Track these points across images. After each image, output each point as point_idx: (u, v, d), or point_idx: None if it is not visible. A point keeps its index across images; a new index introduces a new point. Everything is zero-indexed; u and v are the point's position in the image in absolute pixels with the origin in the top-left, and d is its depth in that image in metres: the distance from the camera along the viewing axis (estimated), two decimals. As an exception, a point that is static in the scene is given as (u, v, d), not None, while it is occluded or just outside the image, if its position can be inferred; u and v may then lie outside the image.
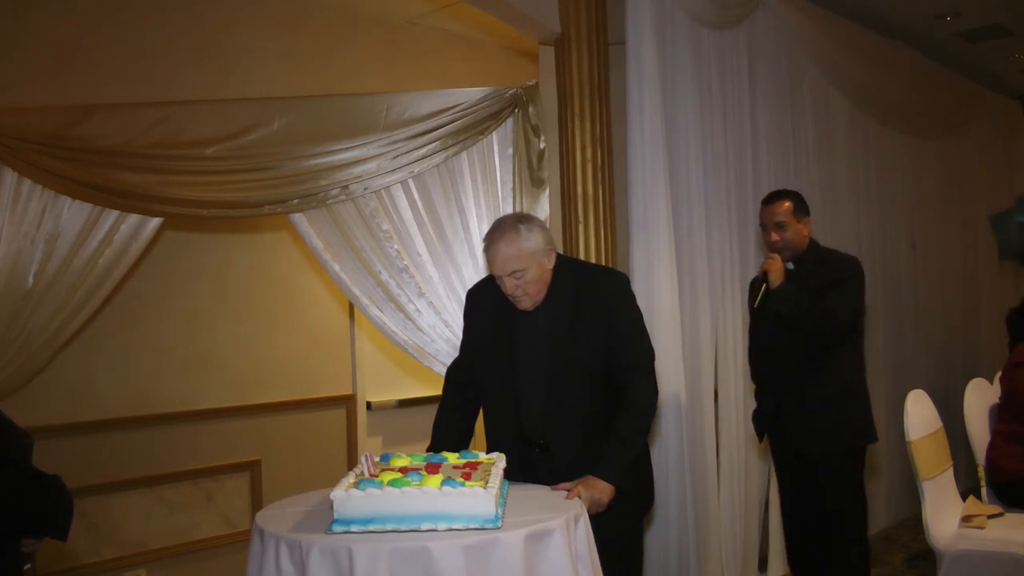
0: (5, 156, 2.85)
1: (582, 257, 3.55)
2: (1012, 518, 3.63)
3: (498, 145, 3.61)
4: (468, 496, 2.06)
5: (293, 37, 4.35)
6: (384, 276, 3.46)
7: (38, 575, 3.36)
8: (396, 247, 3.46)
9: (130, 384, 3.89)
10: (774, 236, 3.30)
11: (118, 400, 3.84)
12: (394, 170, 3.40)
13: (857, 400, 3.32)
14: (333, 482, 2.20)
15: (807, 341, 3.21)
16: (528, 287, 2.57)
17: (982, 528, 3.49)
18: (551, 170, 3.64)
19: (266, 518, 2.24)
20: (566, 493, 2.38)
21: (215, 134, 3.18)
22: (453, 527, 2.04)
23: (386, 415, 4.86)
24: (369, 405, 4.78)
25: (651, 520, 3.59)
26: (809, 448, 3.28)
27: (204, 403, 4.10)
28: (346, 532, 2.05)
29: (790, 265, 3.28)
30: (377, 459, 2.36)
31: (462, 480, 2.14)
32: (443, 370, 3.14)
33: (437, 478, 2.14)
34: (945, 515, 3.58)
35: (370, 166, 3.36)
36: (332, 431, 4.58)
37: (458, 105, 3.47)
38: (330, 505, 2.11)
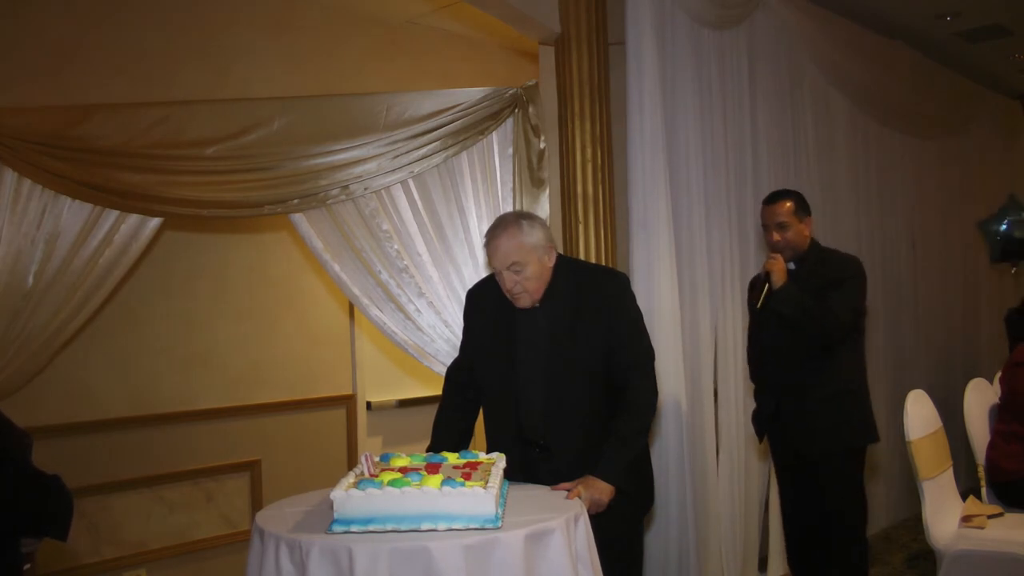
0: (5, 156, 2.85)
1: (582, 257, 3.55)
2: (1012, 518, 3.63)
3: (498, 145, 3.61)
4: (468, 496, 2.06)
5: (293, 37, 4.35)
6: (384, 276, 3.46)
7: (38, 575, 3.37)
8: (396, 247, 3.46)
9: (130, 384, 3.89)
10: (775, 236, 3.30)
11: (118, 400, 3.84)
12: (394, 170, 3.40)
13: (858, 400, 3.32)
14: (333, 482, 2.20)
15: (809, 341, 3.21)
16: (527, 283, 2.57)
17: (982, 528, 3.49)
18: (551, 170, 3.64)
19: (266, 518, 2.24)
20: (566, 493, 2.38)
21: (215, 134, 3.18)
22: (453, 527, 2.04)
23: (386, 415, 4.86)
24: (369, 405, 4.78)
25: (651, 520, 3.59)
26: (809, 448, 3.28)
27: (204, 403, 4.10)
28: (346, 532, 2.05)
29: (791, 265, 3.28)
30: (377, 459, 2.36)
31: (462, 480, 2.14)
32: (443, 370, 3.14)
33: (437, 478, 2.14)
34: (945, 515, 3.58)
35: (370, 166, 3.36)
36: (332, 431, 4.58)
37: (458, 105, 3.48)
38: (330, 505, 2.11)
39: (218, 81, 4.02)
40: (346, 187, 3.34)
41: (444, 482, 2.10)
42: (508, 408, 2.67)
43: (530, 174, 3.60)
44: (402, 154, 3.40)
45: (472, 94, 3.52)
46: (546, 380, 2.61)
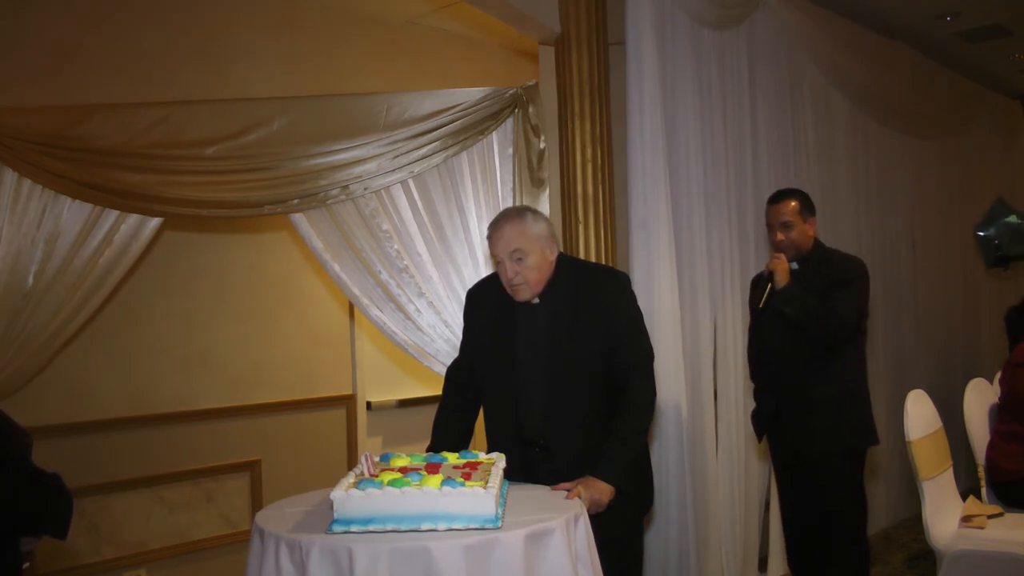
0: (5, 156, 2.85)
1: (582, 257, 3.55)
2: (1012, 518, 3.63)
3: (498, 145, 3.61)
4: (468, 496, 2.06)
5: (293, 37, 4.35)
6: (384, 276, 3.46)
7: (37, 574, 3.37)
8: (396, 247, 3.46)
9: (130, 384, 3.89)
10: (779, 236, 3.29)
11: (118, 400, 3.84)
12: (394, 170, 3.40)
13: (859, 402, 3.31)
14: (333, 482, 2.20)
15: (811, 342, 3.20)
16: (528, 273, 2.57)
17: (982, 528, 3.49)
18: (551, 170, 3.64)
19: (266, 518, 2.24)
20: (566, 493, 2.38)
21: (215, 134, 3.18)
22: (453, 527, 2.04)
23: (386, 415, 4.86)
24: (369, 405, 4.78)
25: (651, 520, 3.59)
26: (809, 448, 3.27)
27: (204, 403, 4.10)
28: (346, 532, 2.05)
29: (794, 265, 3.26)
30: (377, 459, 2.36)
31: (462, 480, 2.14)
32: (443, 370, 3.14)
33: (437, 478, 2.14)
34: (945, 515, 3.58)
35: (370, 166, 3.36)
36: (332, 431, 4.58)
37: (458, 105, 3.48)
38: (330, 505, 2.11)
39: (218, 81, 4.02)
40: (346, 187, 3.34)
41: (444, 482, 2.10)
42: (508, 408, 2.67)
43: (530, 174, 3.60)
44: (402, 154, 3.40)
45: (472, 94, 3.52)
46: (546, 380, 2.61)
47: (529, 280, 2.58)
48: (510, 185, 3.60)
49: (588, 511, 2.34)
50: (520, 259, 2.56)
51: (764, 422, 3.44)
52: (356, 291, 3.49)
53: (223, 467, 4.14)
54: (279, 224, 4.20)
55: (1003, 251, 6.52)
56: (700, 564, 3.72)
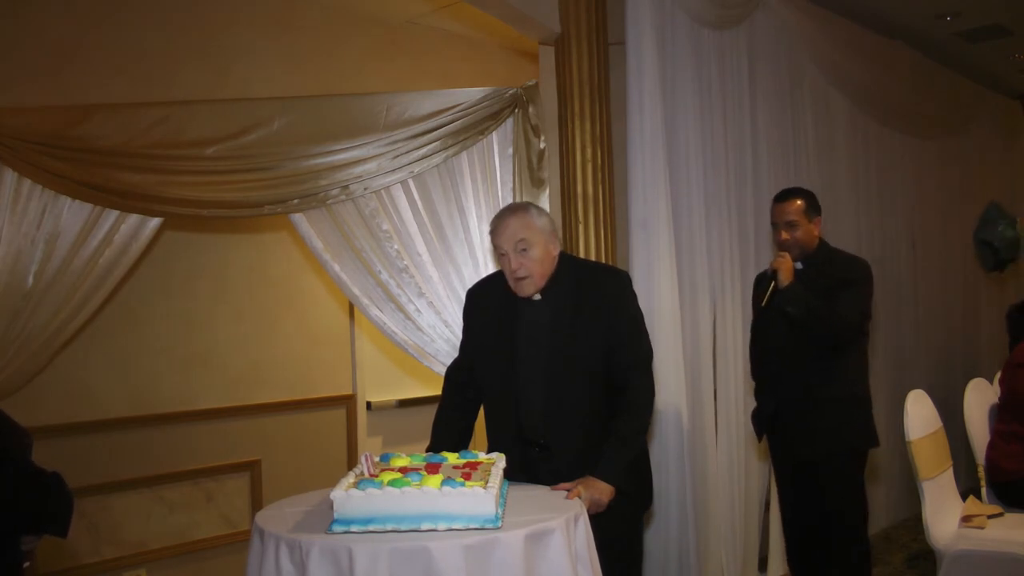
0: (5, 156, 2.85)
1: (582, 257, 3.55)
2: (1012, 518, 3.63)
3: (498, 145, 3.61)
4: (468, 496, 2.06)
5: (293, 37, 4.35)
6: (384, 276, 3.46)
7: (38, 574, 3.37)
8: (396, 247, 3.46)
9: (130, 384, 3.89)
10: (784, 235, 3.28)
11: (118, 400, 3.84)
12: (394, 170, 3.40)
13: (861, 403, 3.30)
14: (333, 482, 2.20)
15: (814, 342, 3.19)
16: (532, 266, 2.57)
17: (982, 528, 3.49)
18: (551, 170, 3.64)
19: (266, 518, 2.24)
20: (566, 493, 2.38)
21: (215, 134, 3.18)
22: (453, 527, 2.04)
23: (386, 415, 4.86)
24: (369, 405, 4.78)
25: (651, 520, 3.59)
26: (810, 449, 3.26)
27: (204, 403, 4.10)
28: (346, 532, 2.05)
29: (798, 265, 3.25)
30: (377, 459, 2.36)
31: (462, 480, 2.14)
32: (443, 370, 3.14)
33: (437, 478, 2.14)
34: (945, 515, 3.58)
35: (370, 166, 3.36)
36: (332, 431, 4.58)
37: (458, 105, 3.48)
38: (330, 505, 2.11)
39: (218, 81, 4.02)
40: (346, 187, 3.34)
41: (444, 482, 2.10)
42: (508, 407, 2.67)
43: (530, 174, 3.60)
44: (402, 154, 3.40)
45: (472, 94, 3.52)
46: (546, 379, 2.61)
47: (533, 273, 2.58)
48: (510, 185, 3.60)
49: (588, 511, 2.34)
50: (525, 250, 2.56)
51: (764, 422, 3.44)
52: (356, 291, 3.49)
53: (223, 467, 4.14)
54: (279, 224, 4.20)
55: (1001, 255, 6.55)
56: (700, 564, 3.72)
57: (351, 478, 2.24)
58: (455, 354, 3.05)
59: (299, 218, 3.38)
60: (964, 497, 3.80)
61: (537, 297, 2.64)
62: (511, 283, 2.63)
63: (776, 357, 3.34)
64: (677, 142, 3.80)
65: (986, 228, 6.57)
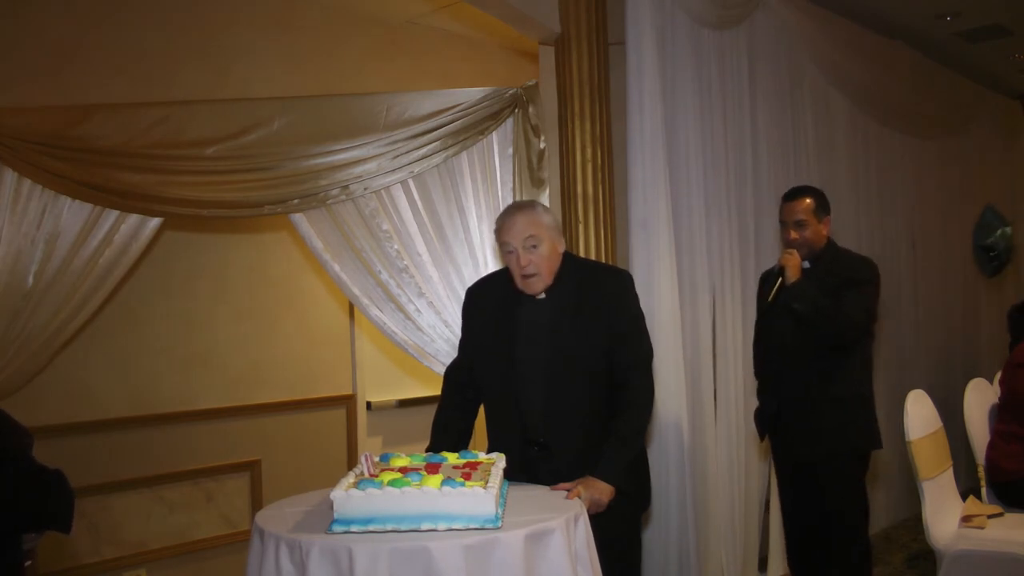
0: (5, 156, 2.85)
1: (583, 257, 3.55)
2: (1012, 518, 3.63)
3: (498, 145, 3.61)
4: (468, 496, 2.06)
5: (293, 37, 4.35)
6: (384, 276, 3.46)
7: (38, 574, 3.37)
8: (396, 247, 3.46)
9: (130, 384, 3.89)
10: (793, 234, 3.27)
11: (118, 400, 3.84)
12: (394, 170, 3.40)
13: (864, 405, 3.28)
14: (333, 482, 2.20)
15: (819, 341, 3.17)
16: (541, 263, 2.58)
17: (982, 528, 3.49)
18: (551, 170, 3.64)
19: (266, 518, 2.24)
20: (566, 493, 2.38)
21: (215, 134, 3.18)
22: (453, 527, 2.04)
23: (386, 415, 4.86)
24: (369, 405, 4.78)
25: (649, 520, 3.59)
26: (812, 449, 3.24)
27: (204, 403, 4.10)
28: (346, 532, 2.05)
29: (806, 264, 3.24)
30: (377, 459, 2.36)
31: (462, 480, 2.14)
32: (443, 370, 3.14)
33: (437, 478, 2.14)
34: (945, 515, 3.58)
35: (370, 166, 3.36)
36: (332, 431, 4.58)
37: (458, 105, 3.48)
38: (330, 505, 2.11)
39: (218, 81, 4.02)
40: (346, 187, 3.34)
41: (444, 482, 2.10)
42: (508, 407, 2.67)
43: (530, 174, 3.60)
44: (402, 154, 3.40)
45: (472, 94, 3.52)
46: (547, 379, 2.61)
47: (542, 270, 2.58)
48: (510, 185, 3.61)
49: (588, 511, 2.34)
50: (534, 246, 2.56)
51: (766, 422, 3.43)
52: (356, 291, 3.49)
53: (223, 467, 4.14)
54: (279, 224, 4.20)
55: (1001, 259, 6.57)
56: (700, 564, 3.72)
57: (351, 478, 2.24)
58: (455, 354, 3.05)
59: (299, 218, 3.38)
60: (964, 497, 3.80)
61: (542, 296, 2.64)
62: (518, 281, 2.62)
63: (778, 356, 3.34)
64: (677, 142, 3.80)
65: (985, 233, 6.59)
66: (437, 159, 3.46)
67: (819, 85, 4.77)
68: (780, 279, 3.19)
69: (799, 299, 3.13)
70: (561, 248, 2.66)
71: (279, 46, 4.29)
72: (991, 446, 4.01)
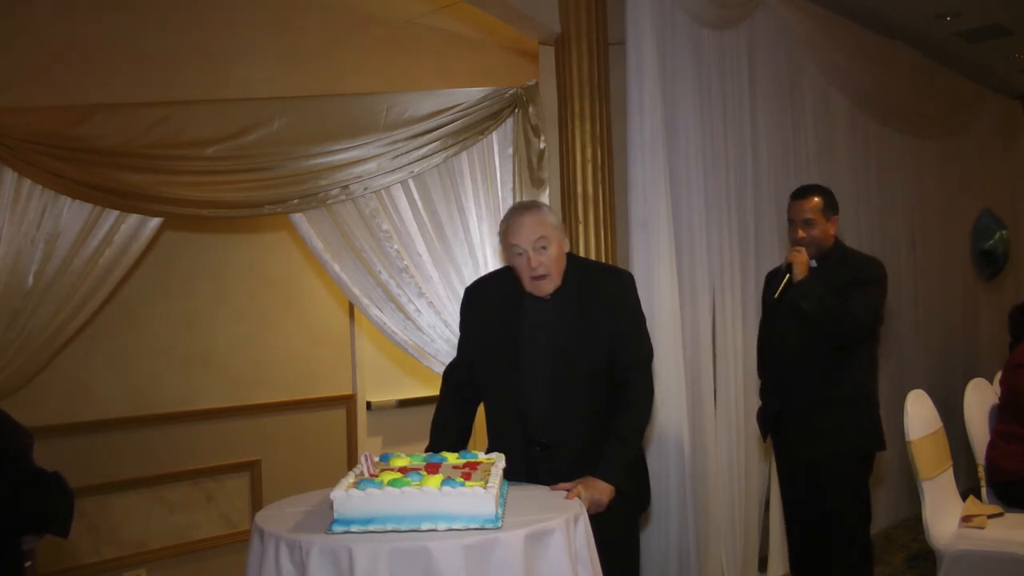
0: (5, 156, 2.85)
1: (583, 257, 3.55)
2: (1012, 518, 3.63)
3: (498, 145, 3.61)
4: (468, 496, 2.06)
5: (293, 37, 4.35)
6: (384, 276, 3.46)
7: (38, 574, 3.37)
8: (396, 247, 3.46)
9: (130, 384, 3.89)
10: (800, 233, 3.26)
11: (118, 400, 3.84)
12: (394, 170, 3.40)
13: (869, 405, 3.27)
14: (333, 482, 2.20)
15: (825, 340, 3.16)
16: (550, 264, 2.57)
17: (982, 528, 3.49)
18: (551, 170, 3.64)
19: (266, 518, 2.24)
20: (566, 493, 2.38)
21: (215, 134, 3.18)
22: (453, 527, 2.04)
23: (386, 415, 4.86)
24: (369, 405, 4.78)
25: (649, 520, 3.59)
26: (815, 449, 3.24)
27: (204, 403, 4.10)
28: (346, 532, 2.05)
29: (813, 263, 3.23)
30: (377, 459, 2.36)
31: (462, 480, 2.14)
32: (443, 370, 3.14)
33: (437, 478, 2.14)
34: (945, 515, 3.58)
35: (370, 166, 3.36)
36: (332, 431, 4.58)
37: (458, 105, 3.47)
38: (330, 505, 2.11)
39: (218, 81, 4.02)
40: (346, 187, 3.34)
41: (444, 482, 2.10)
42: (509, 407, 2.66)
43: (530, 174, 3.60)
44: (402, 154, 3.40)
45: (472, 94, 3.52)
46: (548, 379, 2.61)
47: (551, 271, 2.58)
48: (510, 185, 3.60)
49: (588, 511, 2.34)
50: (544, 247, 2.56)
51: (769, 422, 3.42)
52: (356, 291, 3.49)
53: (223, 467, 4.14)
54: (279, 224, 4.20)
55: (999, 263, 6.57)
56: (700, 564, 3.72)
57: (351, 478, 2.23)
58: (455, 354, 3.05)
59: (299, 218, 3.38)
60: (964, 497, 3.80)
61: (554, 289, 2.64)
62: (527, 283, 2.61)
63: (782, 356, 3.32)
64: (677, 142, 3.80)
65: (983, 237, 6.59)
66: (437, 159, 3.46)
67: (819, 85, 4.77)
68: (787, 276, 3.18)
69: (806, 297, 3.12)
70: (566, 248, 2.66)
71: (279, 46, 4.29)
72: (991, 446, 4.01)
